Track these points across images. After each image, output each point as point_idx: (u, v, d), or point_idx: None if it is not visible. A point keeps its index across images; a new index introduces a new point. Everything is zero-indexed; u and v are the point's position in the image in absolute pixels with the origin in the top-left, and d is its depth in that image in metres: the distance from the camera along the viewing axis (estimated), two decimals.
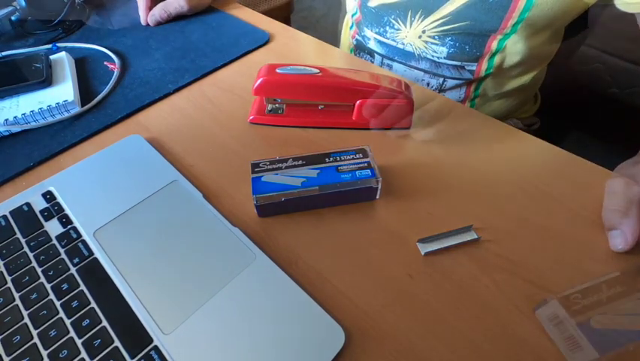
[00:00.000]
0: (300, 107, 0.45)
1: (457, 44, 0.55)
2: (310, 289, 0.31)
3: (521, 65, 0.56)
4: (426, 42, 0.57)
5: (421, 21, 0.55)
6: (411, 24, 0.56)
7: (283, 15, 1.28)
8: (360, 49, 0.67)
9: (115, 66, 0.52)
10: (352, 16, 0.66)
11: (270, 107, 0.45)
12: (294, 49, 0.57)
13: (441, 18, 0.53)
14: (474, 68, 0.56)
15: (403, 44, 0.59)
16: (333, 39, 0.75)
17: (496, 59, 0.55)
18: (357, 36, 0.67)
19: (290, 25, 0.62)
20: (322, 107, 0.44)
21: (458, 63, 0.57)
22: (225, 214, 0.35)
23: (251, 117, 0.45)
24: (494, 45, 0.53)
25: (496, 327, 0.29)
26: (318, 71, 0.41)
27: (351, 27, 0.68)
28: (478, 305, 0.30)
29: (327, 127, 0.44)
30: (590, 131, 0.69)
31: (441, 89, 0.60)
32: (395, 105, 0.41)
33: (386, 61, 0.63)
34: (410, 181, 0.38)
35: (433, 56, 0.57)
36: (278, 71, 0.41)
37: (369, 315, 0.30)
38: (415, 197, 0.37)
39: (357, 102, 0.41)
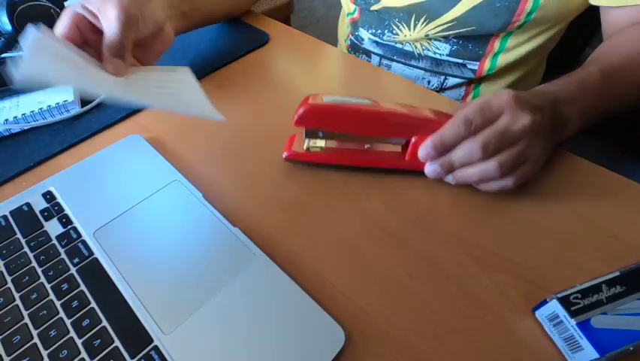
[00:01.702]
0: (344, 145, 0.39)
1: (461, 42, 0.54)
2: (310, 289, 0.31)
3: (522, 63, 0.56)
4: (429, 40, 0.57)
5: (425, 25, 0.54)
6: (414, 28, 0.56)
7: (283, 15, 1.28)
8: (354, 49, 0.67)
9: None
10: (348, 15, 0.66)
11: (308, 143, 0.39)
12: (294, 49, 0.57)
13: (446, 23, 0.52)
14: (476, 67, 0.56)
15: (402, 44, 0.59)
16: (333, 39, 0.75)
17: (499, 59, 0.55)
18: (351, 36, 0.67)
19: (290, 25, 0.62)
20: (368, 146, 0.39)
21: (460, 61, 0.56)
22: (225, 214, 0.35)
23: (285, 154, 0.39)
24: (497, 44, 0.53)
25: (496, 327, 0.29)
26: (369, 101, 0.36)
27: (347, 27, 0.68)
28: (478, 305, 0.30)
29: (373, 167, 0.39)
30: (590, 132, 0.69)
31: (442, 88, 0.60)
32: None
33: (384, 61, 0.63)
34: (410, 181, 0.38)
35: (435, 53, 0.57)
36: (325, 99, 0.36)
37: (369, 315, 0.30)
38: (415, 197, 0.37)
39: (413, 139, 0.36)
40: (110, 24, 0.39)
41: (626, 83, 0.40)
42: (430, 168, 0.35)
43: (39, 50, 0.34)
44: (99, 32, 0.41)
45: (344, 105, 0.35)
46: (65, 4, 0.61)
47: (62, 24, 0.39)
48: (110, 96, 0.37)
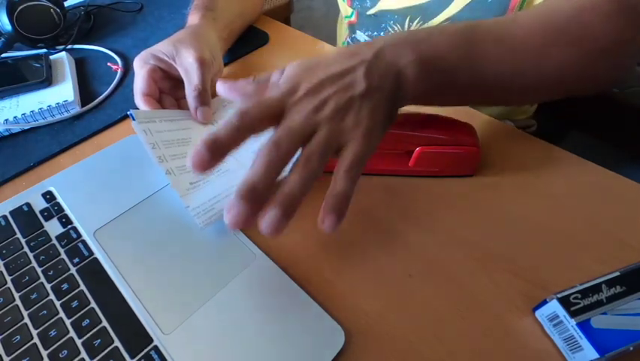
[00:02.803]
0: None
1: None
2: (310, 289, 0.31)
3: None
4: None
5: (420, 26, 0.54)
6: (408, 29, 0.56)
7: (283, 15, 1.28)
8: None
9: (118, 67, 0.53)
10: (345, 18, 0.66)
11: None
12: (294, 49, 0.57)
13: (440, 23, 0.52)
14: None
15: None
16: (333, 39, 0.75)
17: None
18: (348, 39, 0.67)
19: (290, 25, 0.62)
20: None
21: None
22: None
23: None
24: None
25: (496, 327, 0.29)
26: None
27: (345, 30, 0.68)
28: (478, 305, 0.30)
29: (376, 174, 0.39)
30: (590, 131, 0.69)
31: None
32: (461, 154, 0.37)
33: None
34: (410, 182, 0.38)
35: None
36: None
37: (369, 315, 0.30)
38: (415, 197, 0.37)
39: (417, 149, 0.37)
40: (190, 72, 0.40)
41: (523, 42, 0.32)
42: None
43: (153, 147, 0.36)
44: (172, 79, 0.43)
45: None
46: (65, 4, 0.61)
47: (140, 80, 0.41)
48: None
